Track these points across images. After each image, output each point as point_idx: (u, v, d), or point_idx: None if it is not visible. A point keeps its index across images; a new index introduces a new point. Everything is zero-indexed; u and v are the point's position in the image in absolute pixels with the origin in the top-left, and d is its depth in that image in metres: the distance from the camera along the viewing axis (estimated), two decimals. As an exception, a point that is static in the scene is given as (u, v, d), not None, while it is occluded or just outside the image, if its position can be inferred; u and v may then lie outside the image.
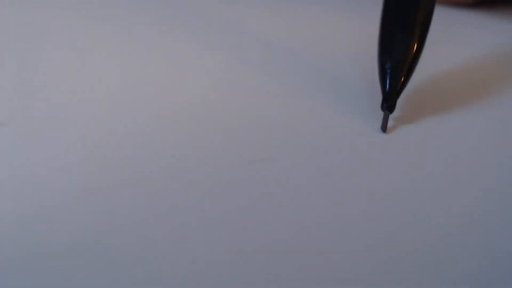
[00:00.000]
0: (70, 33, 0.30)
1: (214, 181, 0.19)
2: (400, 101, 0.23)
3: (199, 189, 0.19)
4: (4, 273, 0.16)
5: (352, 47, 0.30)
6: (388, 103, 0.22)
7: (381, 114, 0.23)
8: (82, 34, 0.30)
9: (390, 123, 0.23)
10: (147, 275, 0.16)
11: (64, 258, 0.16)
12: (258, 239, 0.17)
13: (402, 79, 0.23)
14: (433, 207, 0.19)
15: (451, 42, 0.30)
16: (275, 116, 0.23)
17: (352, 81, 0.26)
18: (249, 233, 0.17)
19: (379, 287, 0.16)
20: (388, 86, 0.23)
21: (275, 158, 0.21)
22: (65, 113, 0.23)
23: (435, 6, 0.24)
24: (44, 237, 0.17)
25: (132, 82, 0.25)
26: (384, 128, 0.22)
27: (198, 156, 0.21)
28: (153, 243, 0.17)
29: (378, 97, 0.23)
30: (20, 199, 0.18)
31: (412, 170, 0.21)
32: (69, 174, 0.19)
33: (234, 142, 0.21)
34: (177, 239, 0.17)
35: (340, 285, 0.16)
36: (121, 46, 0.29)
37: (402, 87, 0.23)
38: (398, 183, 0.20)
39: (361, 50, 0.29)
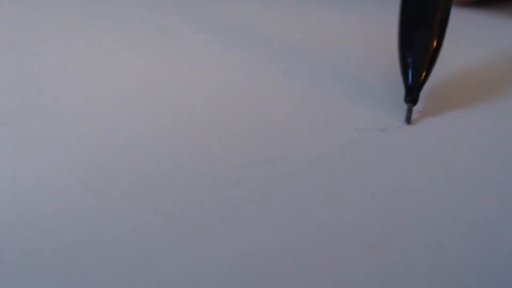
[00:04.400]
0: (70, 32, 0.30)
1: (223, 180, 0.19)
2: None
3: (199, 189, 0.19)
4: (4, 273, 0.16)
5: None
6: (412, 96, 0.23)
7: (403, 107, 0.23)
8: (83, 33, 0.30)
9: (413, 115, 0.23)
10: (147, 276, 0.16)
11: (64, 258, 0.16)
12: (259, 240, 0.17)
13: (424, 73, 0.23)
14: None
15: (455, 41, 0.31)
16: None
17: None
18: (250, 234, 0.17)
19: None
20: (411, 80, 0.23)
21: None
22: (65, 113, 0.23)
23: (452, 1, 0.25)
24: (44, 237, 0.17)
25: (134, 82, 0.25)
26: (408, 120, 0.23)
27: (198, 156, 0.21)
28: (154, 243, 0.17)
29: (399, 91, 0.24)
30: (20, 199, 0.18)
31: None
32: (69, 174, 0.19)
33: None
34: (178, 239, 0.17)
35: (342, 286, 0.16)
36: (124, 45, 0.29)
37: (424, 81, 0.23)
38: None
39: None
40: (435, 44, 0.23)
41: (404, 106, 0.23)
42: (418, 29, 0.24)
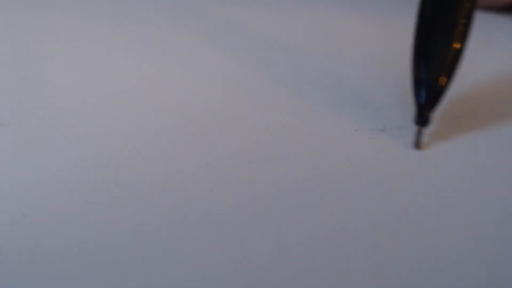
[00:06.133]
0: (70, 32, 0.30)
1: (216, 180, 0.19)
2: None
3: (199, 189, 0.19)
4: (4, 273, 0.16)
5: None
6: (423, 118, 0.20)
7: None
8: (83, 34, 0.30)
9: (424, 138, 0.21)
10: (147, 276, 0.16)
11: (64, 258, 0.16)
12: (258, 239, 0.17)
13: (439, 92, 0.20)
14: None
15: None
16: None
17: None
18: (249, 233, 0.17)
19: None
20: (424, 99, 0.20)
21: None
22: (65, 113, 0.23)
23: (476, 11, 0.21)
24: (44, 237, 0.17)
25: (134, 82, 0.25)
26: (416, 144, 0.20)
27: (198, 156, 0.21)
28: (153, 244, 0.17)
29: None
30: (20, 199, 0.18)
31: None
32: (69, 174, 0.19)
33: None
34: (177, 239, 0.17)
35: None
36: (123, 46, 0.29)
37: (439, 100, 0.20)
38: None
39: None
40: (454, 59, 0.20)
41: (403, 107, 0.22)
42: (435, 41, 0.21)
